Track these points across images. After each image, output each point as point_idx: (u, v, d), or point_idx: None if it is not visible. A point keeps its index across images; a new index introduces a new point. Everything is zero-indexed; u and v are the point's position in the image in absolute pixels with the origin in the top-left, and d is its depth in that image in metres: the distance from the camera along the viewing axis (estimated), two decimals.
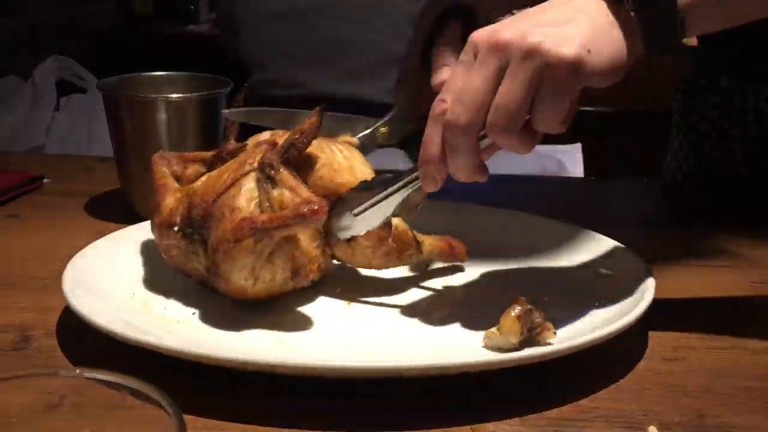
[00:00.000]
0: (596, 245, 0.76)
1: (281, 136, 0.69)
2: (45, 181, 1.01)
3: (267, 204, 0.65)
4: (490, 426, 0.55)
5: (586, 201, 1.03)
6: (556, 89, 0.55)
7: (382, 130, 0.76)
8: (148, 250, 0.75)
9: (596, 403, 0.57)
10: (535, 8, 0.58)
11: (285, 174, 0.65)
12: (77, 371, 0.39)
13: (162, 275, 0.72)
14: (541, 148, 1.88)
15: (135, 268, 0.73)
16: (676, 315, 0.70)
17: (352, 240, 0.69)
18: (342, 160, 0.70)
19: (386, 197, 0.65)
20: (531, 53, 0.55)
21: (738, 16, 0.59)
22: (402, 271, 0.77)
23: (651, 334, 0.66)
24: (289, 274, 0.66)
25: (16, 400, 0.40)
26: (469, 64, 0.57)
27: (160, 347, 0.57)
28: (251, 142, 0.72)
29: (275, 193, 0.65)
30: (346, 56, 1.91)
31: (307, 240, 0.67)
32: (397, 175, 0.65)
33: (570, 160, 2.03)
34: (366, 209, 0.65)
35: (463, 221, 0.81)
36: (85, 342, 0.62)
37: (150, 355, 0.57)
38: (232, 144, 0.72)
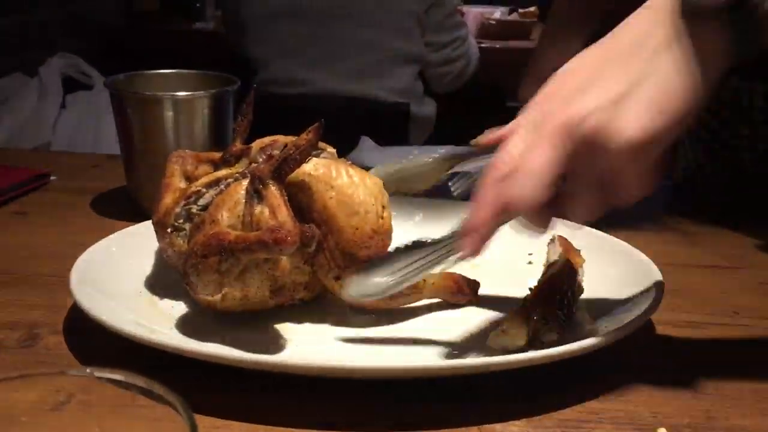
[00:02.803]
0: (603, 246, 0.75)
1: (283, 142, 0.68)
2: (51, 178, 1.01)
3: (249, 219, 0.62)
4: (497, 426, 0.55)
5: None
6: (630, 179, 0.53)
7: None
8: (155, 248, 0.75)
9: (605, 404, 0.57)
10: (605, 56, 0.52)
11: (272, 191, 0.61)
12: (87, 370, 0.38)
13: (169, 273, 0.72)
14: None
15: (142, 266, 0.73)
16: (684, 316, 0.70)
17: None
18: (347, 190, 0.65)
19: (414, 273, 0.61)
20: (598, 151, 0.51)
21: None
22: None
23: (659, 335, 0.66)
24: (267, 293, 0.63)
25: (23, 398, 0.40)
26: (531, 135, 0.53)
27: (167, 345, 0.57)
28: (256, 145, 0.71)
29: (258, 209, 0.61)
30: (352, 55, 1.91)
31: (289, 261, 0.62)
32: (421, 244, 0.61)
33: None
34: (389, 286, 0.61)
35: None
36: (93, 339, 0.62)
37: (156, 353, 0.57)
38: (236, 146, 0.71)
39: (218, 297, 0.62)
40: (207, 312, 0.68)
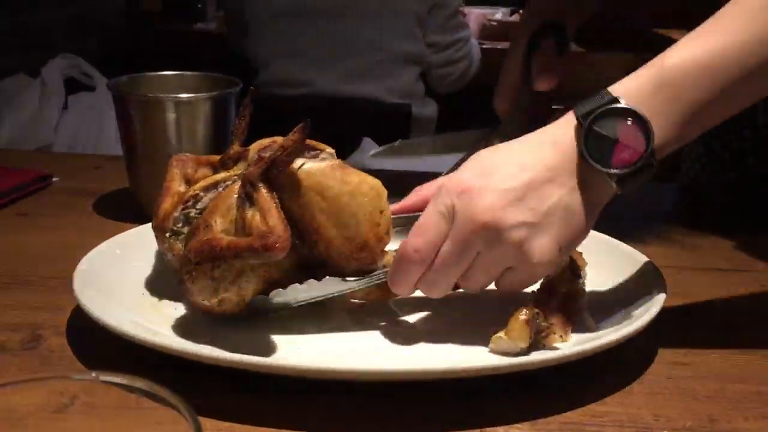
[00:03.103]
0: (605, 247, 0.75)
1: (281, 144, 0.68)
2: (54, 179, 1.02)
3: (241, 223, 0.61)
4: (500, 430, 0.55)
5: None
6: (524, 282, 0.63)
7: (496, 141, 0.75)
8: (157, 250, 0.75)
9: (607, 407, 0.57)
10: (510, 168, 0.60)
11: (263, 194, 0.61)
12: (93, 374, 0.39)
13: (172, 275, 0.72)
14: None
15: (145, 267, 0.73)
16: (687, 319, 0.70)
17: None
18: (339, 201, 0.64)
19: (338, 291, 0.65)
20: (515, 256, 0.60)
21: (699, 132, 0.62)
22: None
23: (662, 338, 0.66)
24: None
25: (27, 401, 0.40)
26: (445, 224, 0.60)
27: (170, 348, 0.57)
28: (254, 147, 0.69)
29: (249, 213, 0.61)
30: (353, 56, 1.91)
31: (287, 261, 0.62)
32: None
33: None
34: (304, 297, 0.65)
35: None
36: (95, 341, 0.62)
37: (159, 356, 0.57)
38: (233, 148, 0.71)
39: (215, 302, 0.62)
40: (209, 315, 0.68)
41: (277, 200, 0.61)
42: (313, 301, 0.65)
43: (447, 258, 0.60)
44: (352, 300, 0.69)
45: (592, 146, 0.59)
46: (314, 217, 0.64)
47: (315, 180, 0.63)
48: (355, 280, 0.65)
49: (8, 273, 0.77)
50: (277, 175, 0.62)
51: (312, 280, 0.64)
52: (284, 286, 0.64)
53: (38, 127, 1.92)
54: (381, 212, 0.64)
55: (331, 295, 0.65)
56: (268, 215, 0.60)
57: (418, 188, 0.66)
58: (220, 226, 0.62)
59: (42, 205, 0.95)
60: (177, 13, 2.89)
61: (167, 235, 0.67)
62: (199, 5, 2.86)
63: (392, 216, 0.65)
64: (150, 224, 0.78)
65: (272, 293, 0.64)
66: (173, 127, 0.87)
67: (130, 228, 0.78)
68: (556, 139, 0.61)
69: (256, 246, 0.58)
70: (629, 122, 0.59)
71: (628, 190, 0.60)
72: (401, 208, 0.67)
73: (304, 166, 0.64)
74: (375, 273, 0.65)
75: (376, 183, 0.65)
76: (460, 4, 2.08)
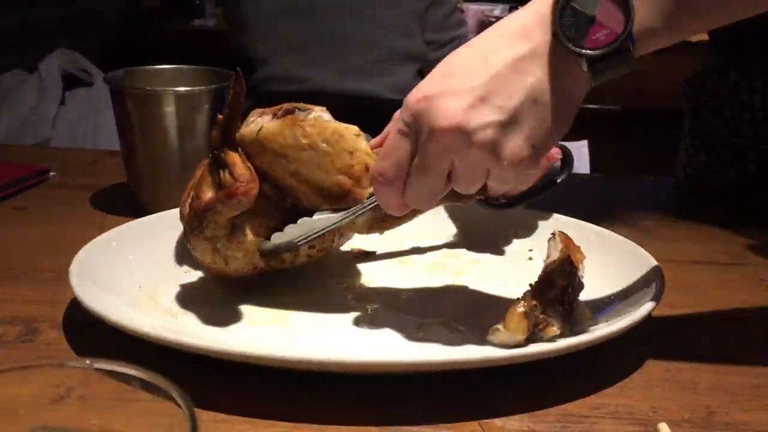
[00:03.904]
0: (603, 242, 0.75)
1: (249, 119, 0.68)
2: (51, 174, 1.01)
3: (218, 185, 0.64)
4: (498, 421, 0.54)
5: (592, 198, 1.02)
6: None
7: None
8: (154, 243, 0.75)
9: (605, 399, 0.57)
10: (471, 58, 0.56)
11: (227, 153, 0.64)
12: (87, 362, 0.38)
13: (169, 269, 0.72)
14: None
15: (142, 260, 0.72)
16: (684, 312, 0.70)
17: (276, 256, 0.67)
18: (300, 156, 0.64)
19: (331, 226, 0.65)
20: (484, 157, 0.56)
21: (688, 32, 0.58)
22: (409, 268, 0.76)
23: (660, 330, 0.66)
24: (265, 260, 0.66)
25: (23, 391, 0.40)
26: (403, 138, 0.57)
27: (167, 340, 0.57)
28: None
29: (222, 174, 0.64)
30: (353, 52, 1.91)
31: (278, 212, 0.65)
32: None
33: (576, 158, 2.02)
34: (302, 238, 0.65)
35: (467, 217, 0.81)
36: (92, 335, 0.62)
37: (155, 348, 0.57)
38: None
39: (222, 263, 0.65)
40: (207, 306, 0.68)
41: (241, 154, 0.64)
42: (315, 236, 0.65)
43: (418, 171, 0.57)
44: (357, 234, 0.70)
45: (567, 24, 0.54)
46: (284, 177, 0.65)
47: (274, 141, 0.64)
48: (346, 212, 0.65)
49: (5, 266, 0.76)
50: (232, 131, 0.64)
51: (305, 218, 0.65)
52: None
53: (36, 122, 1.92)
54: (350, 153, 0.64)
55: (329, 228, 0.65)
56: (234, 168, 0.63)
57: (396, 113, 0.63)
58: (208, 195, 0.64)
59: (39, 199, 0.95)
60: (175, 10, 2.89)
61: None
62: (198, 2, 2.85)
63: (375, 149, 0.65)
64: (147, 217, 0.79)
65: (272, 237, 0.65)
66: (171, 120, 0.86)
67: (127, 221, 0.78)
68: (526, 23, 0.56)
69: (223, 197, 0.62)
70: (609, 0, 0.54)
71: (601, 78, 0.55)
72: (381, 140, 0.65)
73: (261, 129, 0.65)
74: (365, 201, 0.64)
75: (336, 127, 0.64)
76: (458, 1, 2.08)
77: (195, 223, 0.64)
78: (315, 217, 0.65)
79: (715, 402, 0.57)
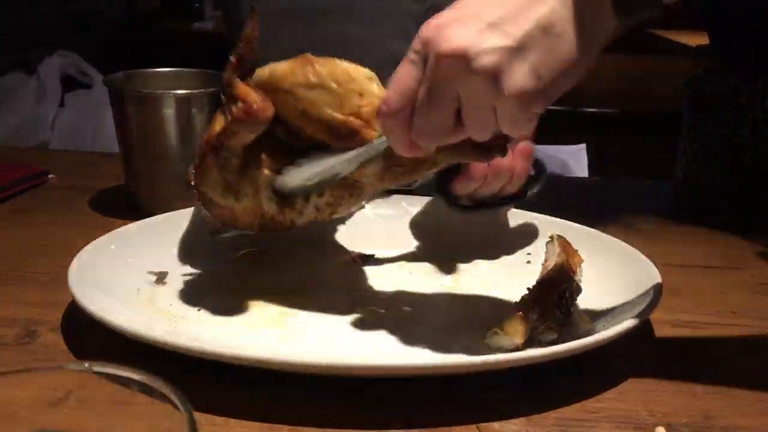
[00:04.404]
0: (602, 245, 0.75)
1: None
2: (50, 176, 1.01)
3: (230, 118, 0.63)
4: (495, 425, 0.54)
5: (591, 201, 1.02)
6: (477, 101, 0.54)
7: None
8: (153, 245, 0.75)
9: (603, 403, 0.57)
10: None
11: (238, 85, 0.63)
12: (86, 365, 0.38)
13: (168, 270, 0.72)
14: (544, 148, 1.88)
15: (141, 263, 0.73)
16: (682, 316, 0.70)
17: (293, 198, 0.66)
18: (308, 95, 0.63)
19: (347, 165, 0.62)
20: (484, 86, 0.52)
21: None
22: (407, 272, 0.77)
23: (658, 334, 0.66)
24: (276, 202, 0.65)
25: (21, 394, 0.40)
26: (411, 66, 0.55)
27: (165, 343, 0.57)
28: None
29: (234, 108, 0.63)
30: (351, 56, 1.90)
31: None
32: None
33: (574, 161, 2.02)
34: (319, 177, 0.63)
35: (467, 221, 0.81)
36: (91, 337, 0.62)
37: (154, 351, 0.57)
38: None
39: (232, 199, 0.64)
40: (206, 309, 0.68)
41: (255, 88, 0.63)
42: (326, 179, 0.63)
43: (423, 100, 0.54)
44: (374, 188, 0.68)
45: None
46: (294, 117, 0.64)
47: (285, 81, 0.64)
48: (356, 150, 0.62)
49: (3, 268, 0.76)
50: (247, 66, 0.64)
51: (314, 151, 0.64)
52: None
53: (35, 125, 1.92)
54: (360, 95, 0.63)
55: (340, 172, 0.63)
56: (247, 96, 0.62)
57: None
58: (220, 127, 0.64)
59: (38, 202, 0.95)
60: (175, 13, 2.89)
61: None
62: (197, 5, 2.86)
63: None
64: (146, 220, 0.79)
65: (283, 169, 0.64)
66: (170, 123, 0.87)
67: (126, 224, 0.78)
68: None
69: (240, 115, 0.60)
70: None
71: (626, 13, 0.51)
72: None
73: (273, 70, 0.64)
74: (375, 141, 0.62)
75: (347, 68, 0.64)
76: None
77: (207, 151, 0.63)
78: (324, 157, 0.63)
79: (713, 406, 0.57)
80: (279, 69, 0.64)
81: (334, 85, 0.63)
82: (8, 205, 0.93)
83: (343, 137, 0.62)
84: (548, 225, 0.80)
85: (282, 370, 0.56)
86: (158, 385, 0.37)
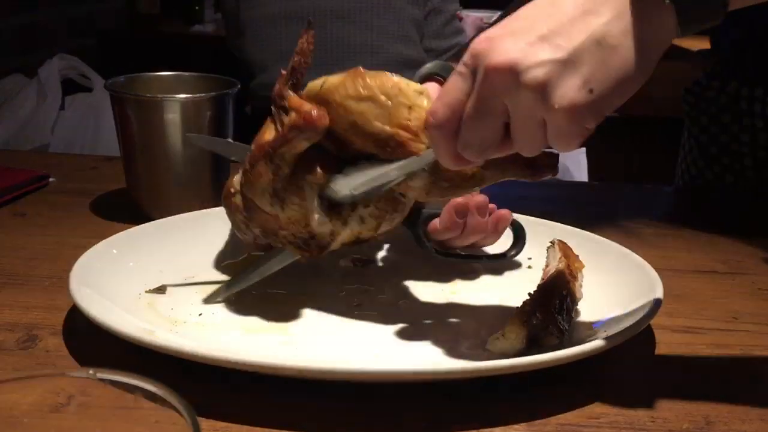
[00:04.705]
0: (602, 251, 0.76)
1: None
2: (50, 179, 1.01)
3: (282, 129, 0.64)
4: (496, 430, 0.54)
5: (591, 205, 1.03)
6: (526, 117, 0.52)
7: None
8: (154, 250, 0.75)
9: (604, 408, 0.57)
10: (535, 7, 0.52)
11: (291, 97, 0.64)
12: (90, 371, 0.38)
13: (168, 276, 0.72)
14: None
15: (141, 267, 0.73)
16: (683, 321, 0.70)
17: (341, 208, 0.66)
18: (357, 108, 0.63)
19: (393, 177, 0.62)
20: (537, 101, 0.51)
21: None
22: (408, 277, 0.77)
23: (658, 340, 0.66)
24: (323, 208, 0.65)
25: (23, 400, 0.40)
26: (460, 79, 0.54)
27: (166, 347, 0.57)
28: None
29: (286, 119, 0.63)
30: (352, 58, 1.91)
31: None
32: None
33: (574, 165, 2.03)
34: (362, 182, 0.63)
35: None
36: (92, 341, 0.62)
37: (155, 356, 0.57)
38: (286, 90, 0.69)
39: (278, 207, 0.64)
40: (206, 314, 0.68)
41: (305, 99, 0.63)
42: (373, 187, 0.63)
43: (471, 113, 0.53)
44: (421, 200, 0.68)
45: None
46: (344, 130, 0.64)
47: (336, 93, 0.64)
48: (404, 161, 0.62)
49: (5, 272, 0.76)
50: (300, 78, 0.64)
51: (362, 162, 0.64)
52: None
53: (35, 128, 1.92)
54: (409, 108, 0.62)
55: (387, 182, 0.63)
56: (301, 106, 0.62)
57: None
58: (271, 136, 0.64)
59: (39, 205, 0.95)
60: (175, 16, 2.89)
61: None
62: (197, 7, 2.86)
63: None
64: (147, 224, 0.79)
65: (330, 180, 0.64)
66: (171, 127, 0.87)
67: (127, 228, 0.78)
68: None
69: (298, 122, 0.61)
70: None
71: (688, 21, 0.49)
72: None
73: (325, 82, 0.64)
74: (422, 154, 0.62)
75: (398, 82, 0.63)
76: (457, 9, 2.08)
77: (260, 157, 0.63)
78: (372, 167, 0.64)
79: (714, 412, 0.57)
80: (330, 81, 0.64)
81: (383, 98, 0.62)
82: (9, 209, 0.93)
83: (391, 149, 0.62)
84: (549, 230, 0.80)
85: (283, 375, 0.56)
86: (161, 390, 0.37)
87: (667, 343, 0.66)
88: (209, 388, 0.57)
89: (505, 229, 0.77)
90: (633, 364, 0.63)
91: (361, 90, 0.63)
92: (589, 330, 0.65)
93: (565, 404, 0.57)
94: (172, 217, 0.81)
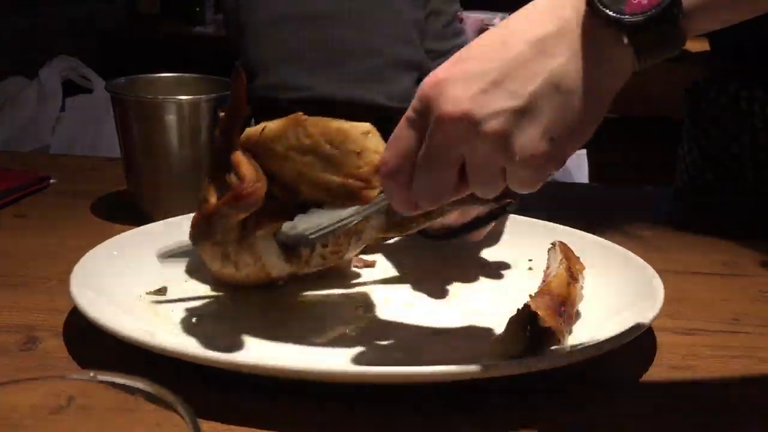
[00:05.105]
0: (603, 252, 0.75)
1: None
2: (51, 181, 1.01)
3: (226, 188, 0.62)
4: None
5: (591, 207, 1.02)
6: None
7: None
8: (155, 251, 0.75)
9: (604, 411, 0.57)
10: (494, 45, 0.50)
11: (233, 155, 0.62)
12: (91, 374, 0.38)
13: (169, 278, 0.72)
14: None
15: (142, 269, 0.72)
16: (684, 323, 0.70)
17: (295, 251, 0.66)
18: (303, 158, 0.61)
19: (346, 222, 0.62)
20: (495, 150, 0.49)
21: (741, 14, 0.51)
22: (409, 279, 0.76)
23: (659, 342, 0.66)
24: (281, 255, 0.65)
25: (24, 402, 0.40)
26: (410, 127, 0.52)
27: (167, 349, 0.57)
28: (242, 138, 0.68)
29: (228, 177, 0.62)
30: (352, 60, 1.91)
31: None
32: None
33: (575, 166, 2.03)
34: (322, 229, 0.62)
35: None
36: (92, 343, 0.62)
37: (156, 358, 0.57)
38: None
39: (232, 268, 0.64)
40: (207, 316, 0.68)
41: (246, 155, 0.62)
42: (329, 229, 0.62)
43: (423, 163, 0.51)
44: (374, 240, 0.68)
45: None
46: (291, 178, 0.62)
47: (278, 142, 0.62)
48: (356, 208, 0.61)
49: (5, 274, 0.76)
50: (236, 132, 0.63)
51: (314, 208, 0.63)
52: (305, 255, 0.65)
53: (36, 129, 1.92)
54: (358, 154, 0.60)
55: (342, 224, 0.62)
56: (239, 168, 0.61)
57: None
58: (214, 198, 0.63)
59: (39, 207, 0.95)
60: (175, 16, 2.89)
61: None
62: (198, 8, 2.86)
63: None
64: (147, 225, 0.78)
65: (283, 226, 0.64)
66: (171, 129, 0.87)
67: (128, 229, 0.78)
68: (554, 0, 0.49)
69: (230, 199, 0.60)
70: None
71: (645, 55, 0.47)
72: None
73: (265, 129, 0.63)
74: (376, 199, 0.60)
75: (340, 126, 0.61)
76: (458, 10, 2.08)
77: (204, 228, 0.62)
78: (325, 210, 0.62)
79: (715, 414, 0.57)
80: (270, 129, 0.62)
81: (329, 148, 0.60)
82: (9, 211, 0.93)
83: (343, 198, 0.61)
84: (550, 232, 0.80)
85: (284, 378, 0.56)
86: (162, 393, 0.37)
87: (668, 346, 0.66)
88: (209, 389, 0.57)
89: None
90: (634, 367, 0.63)
91: (304, 140, 0.60)
92: (590, 332, 0.64)
93: (565, 407, 0.57)
94: (173, 218, 0.81)
